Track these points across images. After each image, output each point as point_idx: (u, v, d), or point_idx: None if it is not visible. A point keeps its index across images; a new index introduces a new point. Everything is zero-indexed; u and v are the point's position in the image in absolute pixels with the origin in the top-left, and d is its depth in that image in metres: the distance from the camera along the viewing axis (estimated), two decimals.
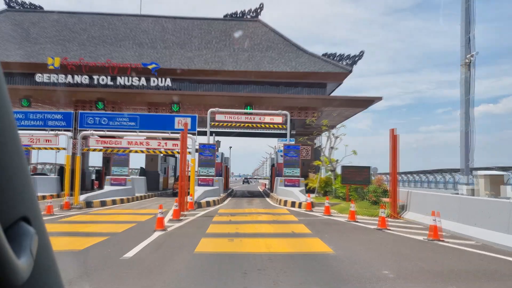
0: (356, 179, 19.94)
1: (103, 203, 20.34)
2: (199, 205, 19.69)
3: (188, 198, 18.46)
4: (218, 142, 35.19)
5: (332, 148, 23.51)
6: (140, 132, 19.29)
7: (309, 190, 25.89)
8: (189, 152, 19.41)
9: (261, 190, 45.75)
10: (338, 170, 24.18)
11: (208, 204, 20.63)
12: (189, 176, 18.76)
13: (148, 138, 19.74)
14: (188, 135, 19.34)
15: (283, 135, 37.22)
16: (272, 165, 36.16)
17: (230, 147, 58.76)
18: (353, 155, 23.21)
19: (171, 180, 37.10)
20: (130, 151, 21.30)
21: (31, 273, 0.67)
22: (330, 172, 24.13)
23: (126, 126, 19.25)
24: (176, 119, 18.23)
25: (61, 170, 31.87)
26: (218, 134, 39.99)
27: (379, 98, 30.22)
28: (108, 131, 19.25)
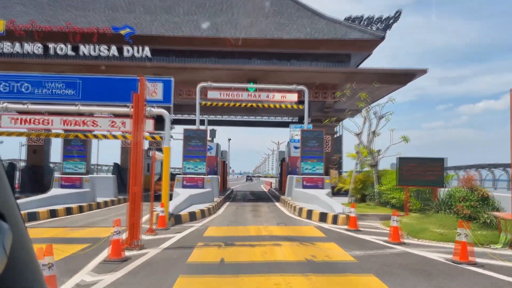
0: (421, 177, 12.80)
1: (32, 217, 13.28)
2: (177, 219, 12.62)
3: (158, 211, 11.47)
4: (213, 131, 28.04)
5: (374, 133, 16.31)
6: (82, 105, 12.12)
7: (337, 193, 18.82)
8: (161, 137, 12.32)
9: (266, 190, 38.73)
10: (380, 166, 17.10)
11: (192, 216, 13.58)
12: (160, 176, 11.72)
13: (94, 114, 12.60)
14: (159, 109, 12.25)
15: (294, 123, 30.16)
16: (282, 160, 29.04)
17: (229, 139, 51.42)
18: (404, 143, 16.12)
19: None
20: (68, 136, 14.13)
21: (7, 269, 0.65)
22: (369, 168, 16.98)
23: (60, 96, 12.06)
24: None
25: (10, 166, 24.85)
26: (213, 123, 32.82)
27: (423, 71, 23.01)
28: (32, 103, 12.12)
